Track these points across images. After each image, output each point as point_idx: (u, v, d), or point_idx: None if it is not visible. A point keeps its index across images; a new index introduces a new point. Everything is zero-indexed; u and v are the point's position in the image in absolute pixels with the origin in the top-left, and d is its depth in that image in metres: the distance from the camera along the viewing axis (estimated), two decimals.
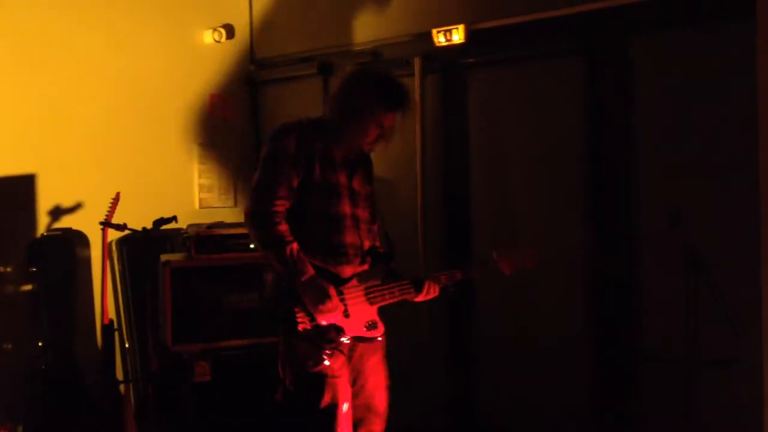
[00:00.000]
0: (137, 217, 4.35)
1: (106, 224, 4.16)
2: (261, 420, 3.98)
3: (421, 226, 4.55)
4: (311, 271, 2.78)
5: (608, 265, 3.95)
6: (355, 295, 2.89)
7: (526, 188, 4.31)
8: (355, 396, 2.93)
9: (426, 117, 4.57)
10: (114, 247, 4.85)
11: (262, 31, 5.56)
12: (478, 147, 4.49)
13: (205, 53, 5.36)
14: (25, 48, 4.60)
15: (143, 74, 5.06)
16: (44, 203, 4.63)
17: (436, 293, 3.02)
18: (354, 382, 2.94)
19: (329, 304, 2.76)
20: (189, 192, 5.25)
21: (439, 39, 4.31)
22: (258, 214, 2.82)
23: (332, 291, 2.79)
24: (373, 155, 3.12)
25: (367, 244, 3.02)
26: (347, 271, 2.91)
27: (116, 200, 4.19)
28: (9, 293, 4.53)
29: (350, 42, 4.96)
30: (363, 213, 3.01)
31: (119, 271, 4.86)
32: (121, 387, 4.44)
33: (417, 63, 4.54)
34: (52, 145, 4.66)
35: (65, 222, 4.67)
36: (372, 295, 2.93)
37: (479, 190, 4.50)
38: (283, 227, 2.80)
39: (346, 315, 2.84)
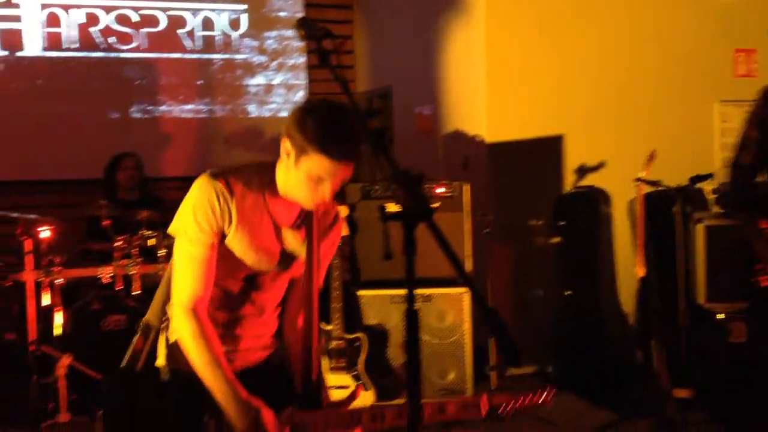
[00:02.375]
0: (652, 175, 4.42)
1: (643, 180, 4.27)
2: None
3: None
4: None
5: None
6: None
7: None
8: None
9: None
10: (636, 205, 4.98)
11: None
12: None
13: (727, 8, 5.16)
14: (551, 19, 4.93)
15: (661, 33, 5.08)
16: (570, 162, 4.94)
17: None
18: None
19: None
20: (708, 151, 5.15)
21: None
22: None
23: None
24: None
25: None
26: None
27: (651, 158, 4.27)
28: (539, 244, 4.95)
29: None
30: None
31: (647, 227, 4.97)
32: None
33: None
34: (577, 107, 4.95)
35: (588, 180, 4.93)
36: None
37: None
38: None
39: None
